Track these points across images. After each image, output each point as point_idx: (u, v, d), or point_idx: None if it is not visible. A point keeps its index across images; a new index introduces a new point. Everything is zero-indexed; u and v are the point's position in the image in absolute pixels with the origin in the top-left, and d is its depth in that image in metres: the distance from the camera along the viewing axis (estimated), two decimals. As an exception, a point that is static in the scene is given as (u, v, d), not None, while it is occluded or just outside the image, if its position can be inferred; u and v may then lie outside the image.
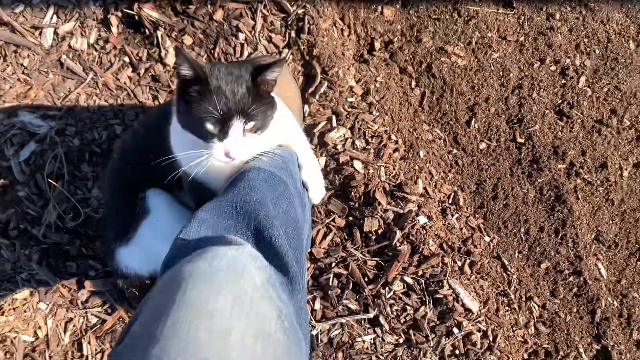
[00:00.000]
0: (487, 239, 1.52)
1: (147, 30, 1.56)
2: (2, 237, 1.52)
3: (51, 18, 1.58)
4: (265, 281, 0.73)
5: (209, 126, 0.93)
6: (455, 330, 1.44)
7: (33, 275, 1.51)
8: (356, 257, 1.45)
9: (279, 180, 1.03)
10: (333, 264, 1.47)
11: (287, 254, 0.84)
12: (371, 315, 1.46)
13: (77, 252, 1.52)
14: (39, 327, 1.50)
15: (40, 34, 1.57)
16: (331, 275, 1.47)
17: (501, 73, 1.59)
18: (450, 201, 1.53)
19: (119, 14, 1.56)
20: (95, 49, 1.56)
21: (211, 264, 0.69)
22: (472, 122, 1.58)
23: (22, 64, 1.56)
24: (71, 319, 1.50)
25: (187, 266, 0.68)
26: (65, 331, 1.50)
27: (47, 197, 1.51)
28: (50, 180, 1.44)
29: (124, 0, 1.56)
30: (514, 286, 1.50)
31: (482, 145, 1.57)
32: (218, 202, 0.92)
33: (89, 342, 1.49)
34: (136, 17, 1.53)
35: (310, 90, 1.53)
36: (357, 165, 1.47)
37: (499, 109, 1.57)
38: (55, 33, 1.57)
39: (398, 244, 1.43)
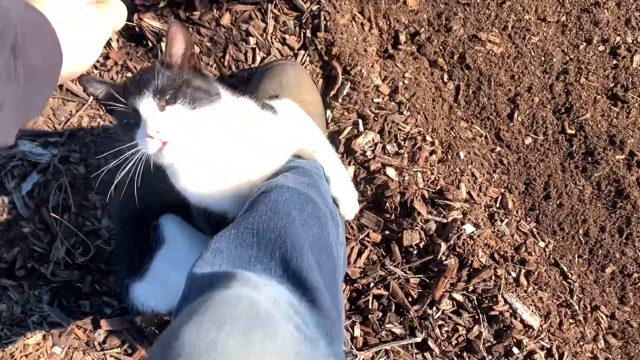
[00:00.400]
0: (542, 244, 1.42)
1: (149, 42, 1.48)
2: (9, 278, 1.45)
3: (46, 37, 1.45)
4: (294, 330, 0.59)
5: (128, 120, 0.90)
6: (515, 349, 1.32)
7: (45, 317, 1.46)
8: (397, 276, 1.36)
9: (306, 199, 0.94)
10: (371, 285, 1.39)
11: (320, 289, 0.70)
12: (419, 339, 1.35)
13: (90, 289, 1.46)
14: (55, 374, 1.38)
15: (35, 55, 1.44)
16: (370, 297, 1.38)
17: (543, 58, 1.47)
18: (497, 205, 1.42)
19: (118, 26, 1.43)
20: (95, 67, 1.48)
21: (221, 312, 0.55)
22: (515, 115, 1.47)
23: (18, 89, 1.43)
24: (89, 363, 1.39)
25: (185, 328, 0.54)
26: (83, 376, 1.38)
27: (53, 232, 1.45)
28: (55, 215, 1.32)
29: (122, 12, 1.43)
30: (577, 295, 1.39)
31: (528, 140, 1.46)
32: (236, 228, 0.83)
33: (109, 387, 1.36)
34: (137, 29, 1.45)
35: (332, 93, 1.43)
36: (390, 172, 1.37)
37: (543, 99, 1.45)
38: (52, 53, 1.44)
39: (444, 258, 1.33)
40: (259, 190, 0.94)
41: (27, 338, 1.42)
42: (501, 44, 1.48)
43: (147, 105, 0.87)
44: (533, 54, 1.47)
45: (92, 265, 1.43)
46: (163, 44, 1.45)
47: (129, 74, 1.48)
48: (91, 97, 1.47)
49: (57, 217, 1.37)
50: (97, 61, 1.49)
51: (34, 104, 0.57)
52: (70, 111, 1.47)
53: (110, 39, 1.48)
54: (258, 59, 1.45)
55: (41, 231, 1.44)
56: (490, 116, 1.48)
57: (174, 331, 0.57)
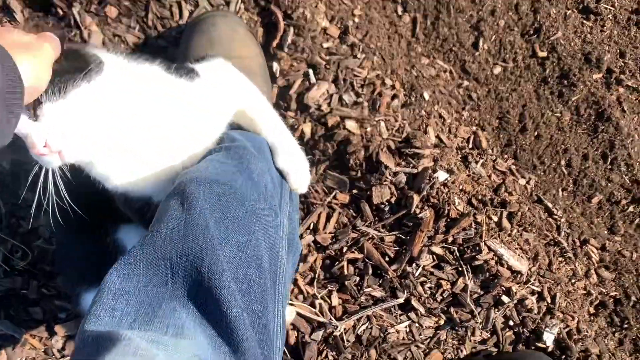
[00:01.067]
0: (522, 181, 1.36)
1: (59, 10, 1.28)
2: (-58, 297, 1.29)
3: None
4: None
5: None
6: (505, 298, 1.26)
7: None
8: (370, 236, 1.28)
9: (231, 197, 0.76)
10: (344, 249, 1.30)
11: (245, 339, 0.60)
12: (401, 299, 1.28)
13: (38, 294, 1.36)
14: (16, 390, 1.29)
15: None
16: (344, 263, 1.30)
17: (505, -26, 1.30)
18: (470, 145, 1.35)
19: (22, -6, 1.26)
20: (1, 45, 1.25)
21: None
22: (480, 43, 1.39)
23: None
24: (51, 372, 1.30)
25: None
26: (47, 387, 1.29)
27: (-15, 239, 1.26)
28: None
29: (21, -23, 1.25)
30: (565, 231, 1.33)
31: (497, 70, 1.38)
32: (144, 253, 0.67)
33: (78, 394, 1.26)
34: (42, -5, 1.23)
35: (275, 42, 1.30)
36: (351, 125, 1.27)
37: (509, 21, 1.35)
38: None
39: (418, 211, 1.24)
40: (173, 188, 0.78)
41: (-23, 356, 1.32)
42: (457, -36, 1.33)
43: (23, 123, 0.69)
44: (493, -29, 1.34)
45: (35, 270, 1.31)
46: (75, 10, 1.27)
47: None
48: None
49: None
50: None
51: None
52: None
53: (14, 10, 1.30)
54: (186, 13, 1.29)
55: (-28, 239, 1.31)
56: (453, 48, 1.36)
57: None
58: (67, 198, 0.78)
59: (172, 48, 1.29)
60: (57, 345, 1.32)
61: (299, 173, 1.03)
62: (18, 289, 1.31)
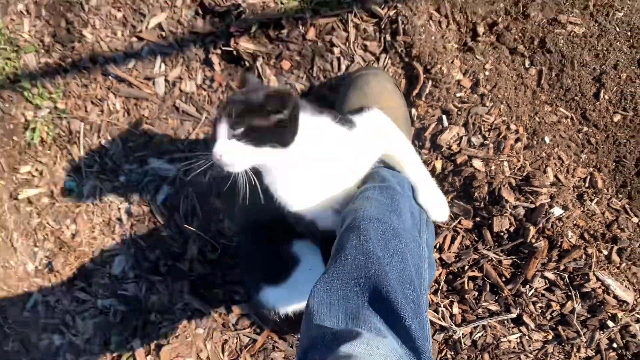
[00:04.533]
0: (635, 220, 1.46)
1: (246, 63, 1.65)
2: (155, 274, 1.75)
3: (160, 67, 1.73)
4: None
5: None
6: (610, 323, 1.42)
7: (187, 304, 1.74)
8: (490, 258, 1.47)
9: (389, 233, 1.03)
10: (466, 267, 1.51)
11: (416, 331, 0.87)
12: (514, 314, 1.48)
13: (221, 279, 1.74)
14: (200, 350, 1.71)
15: (153, 83, 1.73)
16: (465, 279, 1.51)
17: (629, 33, 1.47)
18: (586, 185, 1.47)
19: (219, 51, 1.68)
20: (204, 89, 1.69)
21: None
22: (601, 93, 1.50)
23: (143, 115, 1.72)
24: (226, 341, 1.72)
25: None
26: (223, 352, 1.70)
27: (187, 235, 1.68)
28: (186, 226, 1.61)
29: (220, 38, 1.66)
30: None
31: (617, 118, 1.48)
32: (339, 274, 0.94)
33: (245, 360, 1.65)
34: (234, 52, 1.63)
35: (415, 92, 1.53)
36: (477, 163, 1.46)
37: (631, 74, 1.46)
38: (166, 80, 1.72)
39: (533, 241, 1.43)
40: (347, 217, 1.07)
41: (176, 322, 1.75)
42: (583, 24, 1.49)
43: (223, 128, 1.05)
44: (618, 29, 1.47)
45: (220, 261, 1.71)
46: (258, 63, 1.65)
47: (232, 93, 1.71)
48: (203, 115, 1.72)
49: (188, 226, 1.65)
50: (205, 83, 1.72)
51: None
52: (188, 130, 1.73)
53: (213, 62, 1.70)
54: (343, 67, 1.59)
55: (176, 234, 1.73)
56: (575, 97, 1.51)
57: None
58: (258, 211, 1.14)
59: (332, 95, 1.59)
60: (232, 321, 1.69)
61: (439, 207, 1.28)
62: (207, 274, 1.72)
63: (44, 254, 1.87)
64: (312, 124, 1.14)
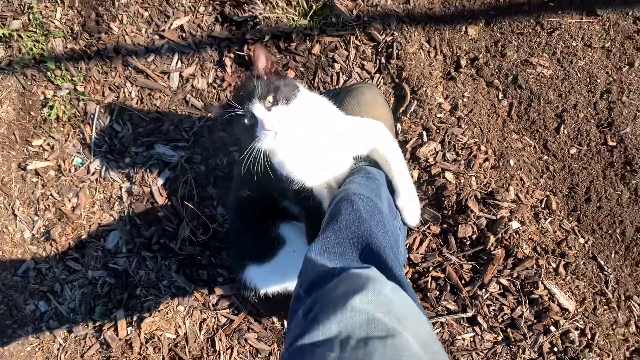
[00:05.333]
0: (581, 240, 1.64)
1: None
2: (147, 250, 1.88)
3: (176, 63, 1.92)
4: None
5: (245, 121, 1.26)
6: (553, 328, 1.59)
7: (173, 282, 1.86)
8: (452, 262, 1.63)
9: (376, 209, 1.23)
10: (430, 268, 1.66)
11: (403, 279, 1.04)
12: (469, 314, 1.65)
13: (207, 261, 1.86)
14: (179, 326, 1.82)
15: (168, 77, 1.91)
16: (429, 279, 1.66)
17: (588, 80, 1.70)
18: (542, 205, 1.66)
19: (232, 55, 1.86)
20: (214, 87, 1.87)
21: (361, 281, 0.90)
22: (562, 128, 1.70)
23: (155, 104, 1.90)
24: (205, 320, 1.83)
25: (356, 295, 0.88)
26: (200, 330, 1.82)
27: (181, 216, 1.85)
28: (186, 203, 1.77)
29: (235, 43, 1.86)
30: (612, 286, 1.60)
31: (573, 150, 1.69)
32: (335, 235, 1.12)
33: (220, 339, 1.79)
34: (246, 57, 1.82)
35: (401, 109, 1.73)
36: (449, 176, 1.65)
37: (588, 114, 1.68)
38: (180, 76, 1.90)
39: (492, 249, 1.60)
40: (339, 194, 1.26)
41: (160, 298, 1.87)
42: (550, 67, 1.74)
43: (258, 108, 1.25)
44: (579, 75, 1.72)
45: (210, 243, 1.86)
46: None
47: (239, 93, 1.90)
48: (211, 113, 1.91)
49: (187, 203, 1.81)
50: (215, 82, 1.92)
51: None
52: (194, 122, 1.92)
53: (226, 65, 1.91)
54: (341, 81, 1.80)
55: (172, 215, 1.88)
56: (539, 129, 1.74)
57: (346, 294, 0.89)
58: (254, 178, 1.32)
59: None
60: (213, 301, 1.82)
61: (414, 212, 1.45)
62: (196, 255, 1.85)
63: (43, 223, 2.00)
64: (311, 95, 1.40)
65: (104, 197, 1.96)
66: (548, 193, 1.69)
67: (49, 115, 1.99)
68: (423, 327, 0.83)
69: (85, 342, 1.90)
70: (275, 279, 1.55)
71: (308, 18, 1.81)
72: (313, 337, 0.79)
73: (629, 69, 1.69)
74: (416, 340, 0.77)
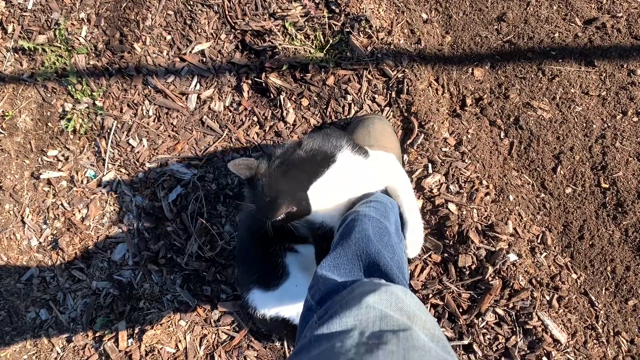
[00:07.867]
0: (574, 276, 1.72)
1: (272, 95, 1.95)
2: (153, 264, 1.93)
3: (195, 86, 2.02)
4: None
5: None
6: (545, 359, 1.65)
7: (176, 296, 1.91)
8: (451, 290, 1.71)
9: (385, 230, 1.31)
10: (430, 295, 1.74)
11: (403, 284, 1.13)
12: (465, 342, 1.72)
13: (212, 277, 1.92)
14: (180, 341, 1.87)
15: (186, 98, 2.01)
16: (428, 305, 1.74)
17: (584, 125, 1.82)
18: (538, 241, 1.75)
19: (249, 81, 1.97)
20: (230, 110, 1.97)
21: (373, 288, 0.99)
22: (558, 168, 1.80)
23: (172, 123, 1.99)
24: (205, 335, 1.88)
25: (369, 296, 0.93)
26: (200, 345, 1.87)
27: (190, 232, 1.91)
28: (199, 218, 1.83)
29: (253, 70, 1.97)
30: (602, 321, 1.68)
31: (568, 190, 1.79)
32: (345, 252, 1.20)
33: (219, 356, 1.83)
34: (263, 84, 1.93)
35: (409, 141, 1.83)
36: (452, 207, 1.74)
37: (583, 157, 1.79)
38: (198, 97, 2.00)
39: (490, 279, 1.68)
40: (349, 215, 1.34)
41: (162, 311, 1.92)
42: (550, 111, 1.87)
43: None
44: (576, 120, 1.86)
45: (216, 259, 1.93)
46: (282, 97, 1.97)
47: (255, 118, 2.01)
48: (225, 132, 2.00)
49: (200, 218, 1.89)
50: (232, 105, 2.03)
51: None
52: (209, 142, 2.01)
53: (243, 90, 2.02)
54: (352, 111, 1.92)
55: (180, 230, 1.95)
56: (538, 168, 1.86)
57: (359, 296, 0.94)
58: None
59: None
60: (215, 317, 1.87)
61: (416, 246, 1.53)
62: (201, 270, 1.91)
63: (51, 231, 2.05)
64: (351, 158, 1.47)
65: (114, 210, 2.03)
66: (544, 229, 1.80)
67: (66, 127, 2.07)
68: (431, 324, 0.91)
69: (84, 352, 1.93)
70: (275, 307, 1.61)
71: (324, 51, 1.94)
72: (330, 328, 0.87)
73: (622, 117, 1.83)
74: (425, 334, 0.85)
